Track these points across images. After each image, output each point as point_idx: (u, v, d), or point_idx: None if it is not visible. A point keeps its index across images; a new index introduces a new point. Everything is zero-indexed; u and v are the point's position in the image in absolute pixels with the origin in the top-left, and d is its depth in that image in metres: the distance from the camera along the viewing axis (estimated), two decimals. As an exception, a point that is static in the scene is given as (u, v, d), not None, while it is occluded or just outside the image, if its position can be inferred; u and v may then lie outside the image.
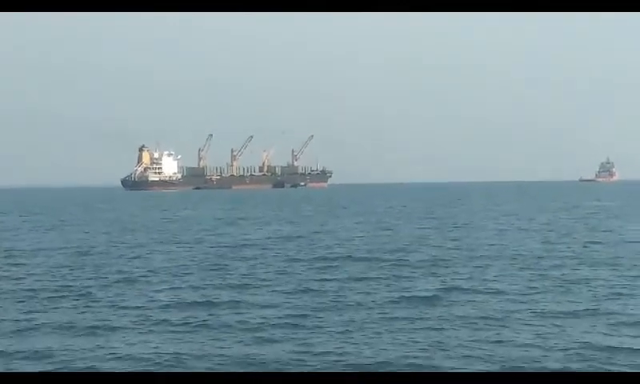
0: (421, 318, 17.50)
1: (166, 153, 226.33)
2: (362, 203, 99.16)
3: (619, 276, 24.03)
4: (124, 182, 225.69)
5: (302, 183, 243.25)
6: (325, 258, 30.18)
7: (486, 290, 21.43)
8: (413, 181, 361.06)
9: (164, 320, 17.72)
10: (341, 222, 56.68)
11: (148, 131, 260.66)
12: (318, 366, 13.27)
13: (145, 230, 49.70)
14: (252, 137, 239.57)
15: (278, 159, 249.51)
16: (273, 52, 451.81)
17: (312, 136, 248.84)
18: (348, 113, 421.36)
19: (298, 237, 42.07)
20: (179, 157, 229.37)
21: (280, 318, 17.77)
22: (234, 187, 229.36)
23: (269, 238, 41.70)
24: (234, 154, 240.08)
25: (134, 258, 31.61)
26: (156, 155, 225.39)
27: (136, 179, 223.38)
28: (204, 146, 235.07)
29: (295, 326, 16.85)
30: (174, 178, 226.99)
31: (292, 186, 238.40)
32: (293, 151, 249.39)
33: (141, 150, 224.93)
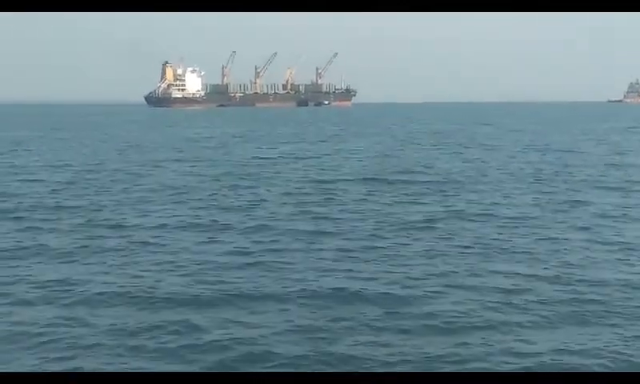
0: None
1: (189, 69, 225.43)
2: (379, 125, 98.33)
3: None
4: (147, 99, 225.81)
5: (326, 101, 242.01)
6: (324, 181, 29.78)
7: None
8: (438, 100, 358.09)
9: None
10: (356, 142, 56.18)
11: (172, 47, 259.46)
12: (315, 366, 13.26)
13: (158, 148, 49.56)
14: (276, 54, 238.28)
15: (302, 77, 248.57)
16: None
17: (336, 53, 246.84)
18: (373, 32, 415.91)
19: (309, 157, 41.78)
20: (203, 73, 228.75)
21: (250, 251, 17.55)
22: (257, 105, 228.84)
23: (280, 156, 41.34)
24: (258, 71, 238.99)
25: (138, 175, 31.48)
26: (179, 72, 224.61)
27: (159, 96, 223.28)
28: (227, 62, 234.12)
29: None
30: (197, 95, 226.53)
31: (316, 105, 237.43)
32: (317, 69, 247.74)
33: (164, 66, 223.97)
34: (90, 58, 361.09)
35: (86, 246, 17.44)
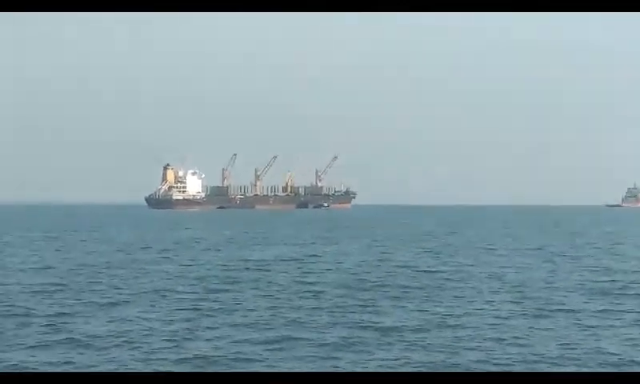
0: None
1: (190, 171, 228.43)
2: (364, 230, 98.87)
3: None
4: (148, 200, 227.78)
5: (326, 204, 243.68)
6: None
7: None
8: (439, 203, 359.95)
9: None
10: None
11: (173, 149, 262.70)
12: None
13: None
14: (276, 157, 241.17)
15: (301, 180, 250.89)
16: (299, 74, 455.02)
17: (336, 157, 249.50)
18: (373, 133, 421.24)
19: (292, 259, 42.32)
20: (203, 176, 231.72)
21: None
22: (257, 207, 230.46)
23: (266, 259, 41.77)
24: (258, 173, 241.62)
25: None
26: (180, 174, 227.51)
27: (160, 197, 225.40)
28: (228, 165, 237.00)
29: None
30: (198, 197, 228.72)
31: (315, 207, 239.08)
32: (317, 171, 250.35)
33: (165, 168, 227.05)
34: (89, 159, 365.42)
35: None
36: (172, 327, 20.57)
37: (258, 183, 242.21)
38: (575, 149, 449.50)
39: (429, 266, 39.35)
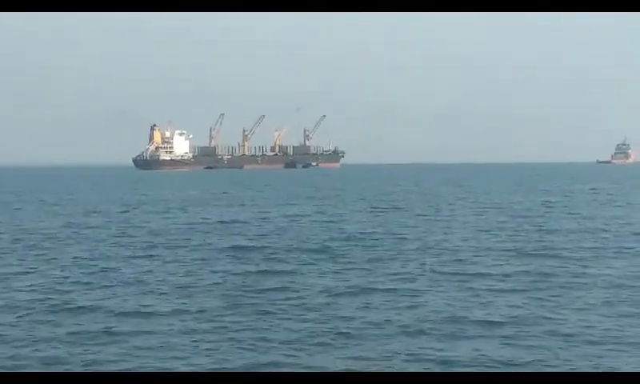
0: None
1: (177, 132, 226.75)
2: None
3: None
4: (135, 162, 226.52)
5: (314, 163, 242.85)
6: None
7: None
8: (426, 162, 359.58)
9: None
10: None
11: (160, 112, 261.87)
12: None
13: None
14: (264, 116, 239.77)
15: (290, 139, 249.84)
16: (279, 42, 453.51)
17: (324, 116, 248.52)
18: (362, 94, 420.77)
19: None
20: (190, 136, 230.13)
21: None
22: (245, 167, 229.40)
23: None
24: (246, 133, 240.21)
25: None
26: (167, 134, 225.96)
27: (147, 158, 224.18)
28: (215, 125, 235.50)
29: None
30: (185, 158, 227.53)
31: (304, 166, 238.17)
32: (305, 131, 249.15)
33: (152, 129, 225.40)
34: (78, 123, 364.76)
35: None
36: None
37: (246, 143, 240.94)
38: (569, 109, 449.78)
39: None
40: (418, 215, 45.31)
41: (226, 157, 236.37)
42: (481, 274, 22.64)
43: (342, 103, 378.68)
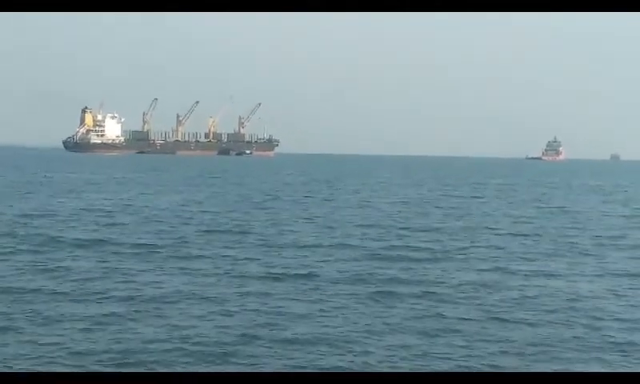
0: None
1: (109, 115, 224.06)
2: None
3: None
4: (66, 144, 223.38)
5: (248, 151, 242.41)
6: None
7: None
8: (361, 153, 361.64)
9: None
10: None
11: (93, 93, 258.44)
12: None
13: None
14: (198, 102, 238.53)
15: (225, 126, 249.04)
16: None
17: (259, 104, 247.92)
18: (298, 85, 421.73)
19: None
20: (123, 120, 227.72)
21: None
22: (178, 153, 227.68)
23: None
24: (180, 119, 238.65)
25: None
26: (99, 117, 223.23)
27: (78, 141, 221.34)
28: (149, 110, 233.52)
29: None
30: (117, 142, 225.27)
31: (237, 154, 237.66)
32: (240, 118, 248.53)
33: (84, 111, 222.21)
34: (3, 104, 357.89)
35: None
36: None
37: (180, 129, 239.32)
38: (500, 103, 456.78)
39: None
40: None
41: (158, 142, 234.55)
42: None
43: (279, 92, 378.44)
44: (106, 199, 47.99)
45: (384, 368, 13.18)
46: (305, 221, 36.43)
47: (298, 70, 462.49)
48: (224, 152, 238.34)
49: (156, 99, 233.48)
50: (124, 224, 33.28)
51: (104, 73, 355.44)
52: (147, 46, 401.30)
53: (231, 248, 26.27)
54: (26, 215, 35.85)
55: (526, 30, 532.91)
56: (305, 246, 26.93)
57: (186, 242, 27.47)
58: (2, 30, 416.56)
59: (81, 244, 26.40)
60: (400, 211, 43.51)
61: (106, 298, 17.90)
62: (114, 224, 33.26)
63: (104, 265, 22.37)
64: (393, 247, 27.17)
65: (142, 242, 27.33)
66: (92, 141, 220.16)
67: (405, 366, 13.27)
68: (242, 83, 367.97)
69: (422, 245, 28.02)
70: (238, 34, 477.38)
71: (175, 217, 37.40)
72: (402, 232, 32.00)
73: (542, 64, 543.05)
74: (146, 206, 43.38)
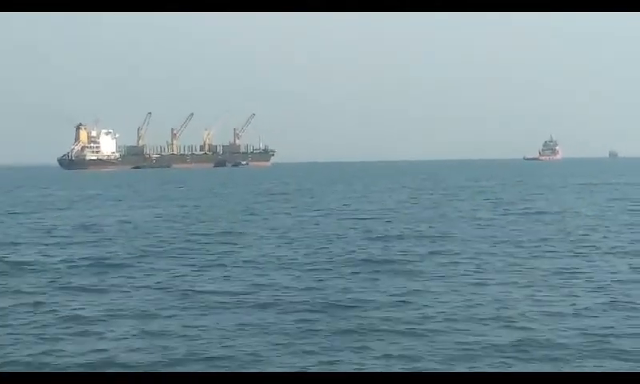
0: None
1: (103, 131, 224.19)
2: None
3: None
4: (61, 161, 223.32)
5: (244, 162, 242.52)
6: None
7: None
8: (357, 159, 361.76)
9: None
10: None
11: (86, 110, 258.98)
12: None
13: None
14: (192, 114, 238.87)
15: (220, 138, 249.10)
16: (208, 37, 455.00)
17: (254, 114, 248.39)
18: (289, 94, 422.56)
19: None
20: (117, 135, 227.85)
21: None
22: (174, 166, 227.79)
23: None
24: (175, 132, 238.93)
25: None
26: (94, 133, 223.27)
27: (73, 158, 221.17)
28: (143, 124, 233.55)
29: None
30: (112, 157, 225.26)
31: (233, 165, 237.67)
32: (235, 130, 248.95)
33: (78, 128, 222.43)
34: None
35: None
36: None
37: (175, 142, 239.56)
38: (500, 103, 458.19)
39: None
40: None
41: (154, 156, 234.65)
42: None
43: (273, 100, 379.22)
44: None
45: (384, 368, 13.00)
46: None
47: (298, 71, 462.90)
48: (220, 164, 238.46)
49: (150, 113, 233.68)
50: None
51: (98, 87, 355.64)
52: (141, 47, 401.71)
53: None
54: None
55: (526, 29, 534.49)
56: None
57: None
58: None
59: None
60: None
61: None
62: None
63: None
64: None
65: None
66: (87, 157, 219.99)
67: (405, 366, 13.08)
68: (241, 83, 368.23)
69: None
70: (238, 34, 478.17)
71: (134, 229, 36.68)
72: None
73: (542, 64, 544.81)
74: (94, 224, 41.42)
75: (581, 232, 32.57)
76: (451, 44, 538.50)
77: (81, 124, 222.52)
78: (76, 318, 16.96)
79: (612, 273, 22.04)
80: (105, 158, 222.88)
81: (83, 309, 17.97)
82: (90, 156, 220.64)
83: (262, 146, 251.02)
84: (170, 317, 17.12)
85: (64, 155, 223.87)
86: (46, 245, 30.67)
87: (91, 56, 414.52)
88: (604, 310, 17.22)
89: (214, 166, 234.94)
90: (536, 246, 28.01)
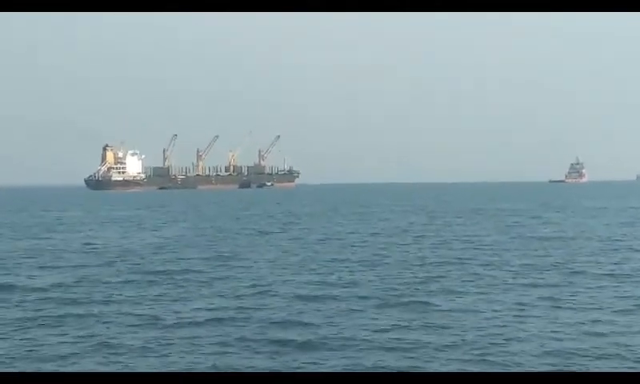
0: None
1: (130, 152, 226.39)
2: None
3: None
4: (87, 182, 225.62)
5: (269, 183, 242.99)
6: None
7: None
8: (384, 181, 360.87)
9: None
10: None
11: (113, 132, 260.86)
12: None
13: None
14: (217, 136, 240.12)
15: (245, 159, 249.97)
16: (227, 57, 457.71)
17: (279, 136, 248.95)
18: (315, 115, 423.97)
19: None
20: (143, 156, 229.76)
21: None
22: (199, 187, 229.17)
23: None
24: (200, 153, 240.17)
25: None
26: (120, 154, 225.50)
27: (99, 179, 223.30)
28: (169, 145, 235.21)
29: None
30: (138, 178, 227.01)
31: (258, 186, 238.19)
32: (260, 151, 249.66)
33: (105, 149, 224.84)
34: (28, 143, 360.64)
35: None
36: None
37: (200, 163, 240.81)
38: (526, 126, 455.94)
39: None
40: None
41: (179, 177, 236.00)
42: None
43: (299, 121, 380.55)
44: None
45: (384, 368, 12.96)
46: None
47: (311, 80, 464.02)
48: (245, 185, 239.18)
49: (175, 135, 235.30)
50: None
51: (124, 111, 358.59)
52: (164, 85, 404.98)
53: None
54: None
55: (526, 30, 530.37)
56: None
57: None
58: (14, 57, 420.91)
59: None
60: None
61: None
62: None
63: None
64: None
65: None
66: (113, 178, 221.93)
67: (404, 366, 12.91)
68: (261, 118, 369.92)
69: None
70: (238, 34, 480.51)
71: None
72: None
73: (542, 64, 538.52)
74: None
75: None
76: (451, 44, 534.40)
77: (107, 145, 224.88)
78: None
79: None
80: (131, 178, 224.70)
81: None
82: (117, 177, 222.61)
83: (286, 167, 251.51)
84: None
85: (90, 176, 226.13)
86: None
87: (118, 84, 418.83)
88: None
89: (239, 187, 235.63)
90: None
